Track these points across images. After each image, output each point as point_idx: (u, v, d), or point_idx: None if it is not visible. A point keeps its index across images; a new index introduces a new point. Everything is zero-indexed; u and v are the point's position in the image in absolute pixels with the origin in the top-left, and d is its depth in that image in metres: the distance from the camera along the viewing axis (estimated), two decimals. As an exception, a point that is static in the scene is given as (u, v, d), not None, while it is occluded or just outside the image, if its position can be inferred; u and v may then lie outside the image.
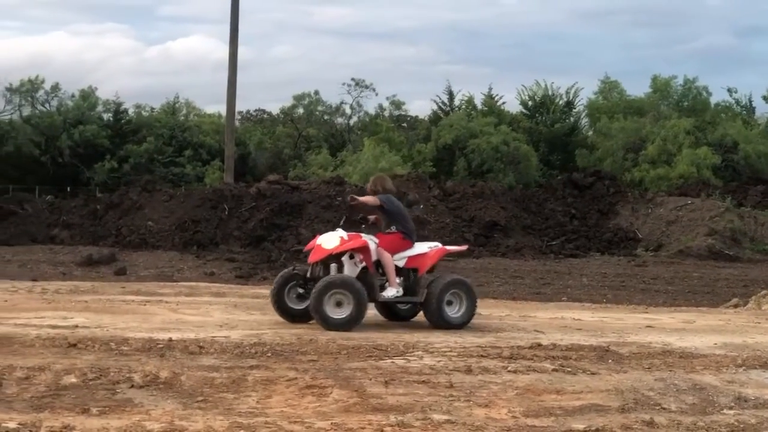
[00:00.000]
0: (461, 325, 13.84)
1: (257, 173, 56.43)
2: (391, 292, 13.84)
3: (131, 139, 61.51)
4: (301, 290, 13.87)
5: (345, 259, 13.79)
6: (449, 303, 14.01)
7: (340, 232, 13.94)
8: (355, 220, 14.58)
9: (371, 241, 13.96)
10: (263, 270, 25.24)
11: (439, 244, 14.80)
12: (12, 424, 6.84)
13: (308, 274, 13.93)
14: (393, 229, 14.24)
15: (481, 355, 10.72)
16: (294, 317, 13.78)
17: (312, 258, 13.88)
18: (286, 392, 8.47)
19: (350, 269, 13.77)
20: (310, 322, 13.41)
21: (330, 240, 13.88)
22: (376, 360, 10.20)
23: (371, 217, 14.66)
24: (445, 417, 7.66)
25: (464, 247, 16.63)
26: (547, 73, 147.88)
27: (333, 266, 13.77)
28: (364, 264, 13.76)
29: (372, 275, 13.83)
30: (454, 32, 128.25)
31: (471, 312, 14.16)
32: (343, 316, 13.13)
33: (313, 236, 15.23)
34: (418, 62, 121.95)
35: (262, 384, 8.73)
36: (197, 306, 16.20)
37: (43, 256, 27.31)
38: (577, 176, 37.34)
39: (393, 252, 14.01)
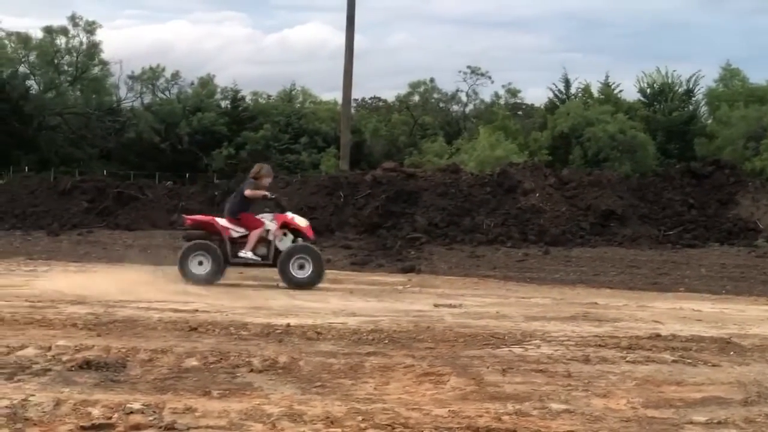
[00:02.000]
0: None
1: (372, 161, 56.65)
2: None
3: (248, 126, 62.24)
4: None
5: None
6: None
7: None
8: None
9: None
10: (378, 257, 25.33)
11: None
12: (137, 405, 6.97)
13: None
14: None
15: (599, 345, 10.62)
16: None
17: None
18: (403, 379, 8.48)
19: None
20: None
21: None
22: (493, 348, 10.18)
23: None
24: (563, 406, 7.60)
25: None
26: (665, 61, 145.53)
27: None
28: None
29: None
30: (571, 20, 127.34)
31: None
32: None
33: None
34: (535, 50, 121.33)
35: (380, 371, 8.75)
36: (314, 292, 16.38)
37: (163, 241, 27.74)
38: (696, 165, 36.66)
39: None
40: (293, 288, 16.75)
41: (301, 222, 17.89)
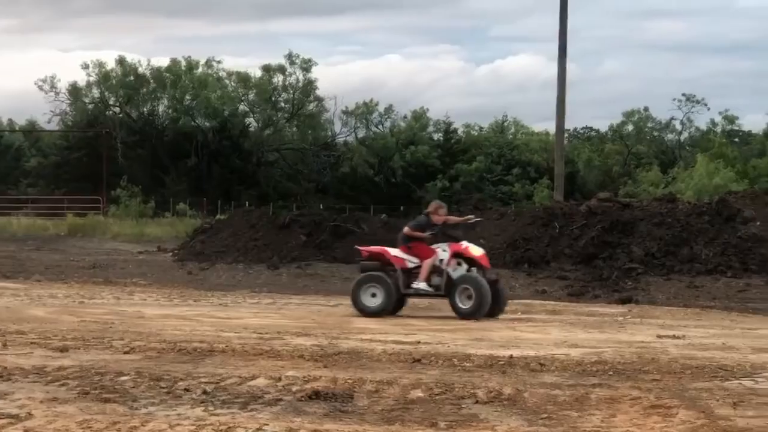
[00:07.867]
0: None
1: (586, 191, 56.19)
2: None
3: (461, 159, 62.61)
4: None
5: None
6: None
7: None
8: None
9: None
10: (595, 288, 25.07)
11: None
12: (370, 437, 7.10)
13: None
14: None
15: (839, 379, 10.23)
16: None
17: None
18: (630, 411, 8.37)
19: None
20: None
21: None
22: (721, 381, 9.94)
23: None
24: (800, 442, 7.37)
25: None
26: None
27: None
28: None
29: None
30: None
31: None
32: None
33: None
34: (754, 75, 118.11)
35: (606, 402, 8.67)
36: (534, 323, 16.34)
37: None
38: None
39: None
40: (461, 318, 16.57)
41: (476, 251, 17.44)
